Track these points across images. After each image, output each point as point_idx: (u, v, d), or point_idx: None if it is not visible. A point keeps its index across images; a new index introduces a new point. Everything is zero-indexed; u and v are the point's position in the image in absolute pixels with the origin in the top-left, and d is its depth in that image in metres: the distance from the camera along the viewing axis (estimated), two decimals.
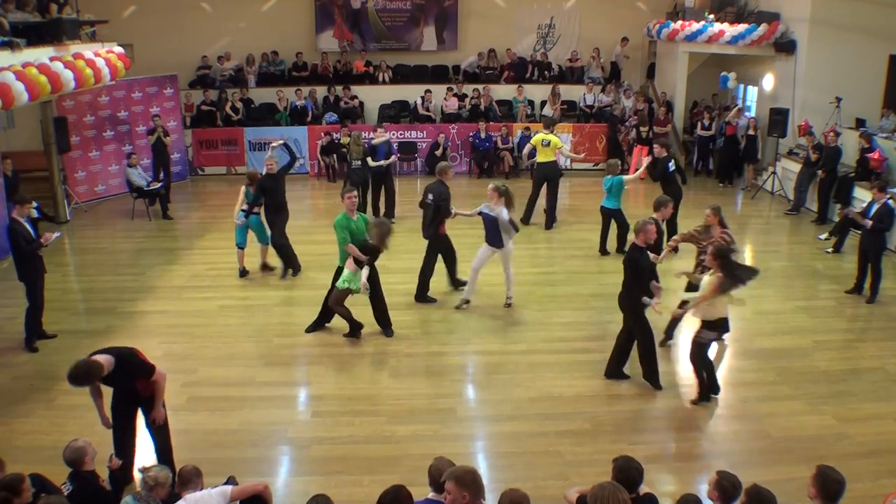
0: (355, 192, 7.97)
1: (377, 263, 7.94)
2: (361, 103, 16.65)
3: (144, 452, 5.84)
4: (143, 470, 4.40)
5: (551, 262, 10.57)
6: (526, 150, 13.03)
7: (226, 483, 4.55)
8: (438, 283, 9.29)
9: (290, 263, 9.90)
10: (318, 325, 8.20)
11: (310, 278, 9.72)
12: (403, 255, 9.50)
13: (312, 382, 7.22)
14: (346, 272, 7.66)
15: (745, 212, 13.69)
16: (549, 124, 12.44)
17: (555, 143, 11.85)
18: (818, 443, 6.06)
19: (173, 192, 13.84)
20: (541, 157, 11.92)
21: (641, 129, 15.59)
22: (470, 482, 3.58)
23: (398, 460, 5.78)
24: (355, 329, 7.99)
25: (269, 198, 9.57)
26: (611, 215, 10.64)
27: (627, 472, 4.05)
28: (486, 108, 16.51)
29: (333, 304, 7.84)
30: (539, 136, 11.96)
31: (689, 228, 7.79)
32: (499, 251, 8.57)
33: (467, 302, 8.83)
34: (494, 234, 8.45)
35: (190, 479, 4.40)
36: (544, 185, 12.01)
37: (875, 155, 11.74)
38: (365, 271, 7.60)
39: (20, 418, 6.43)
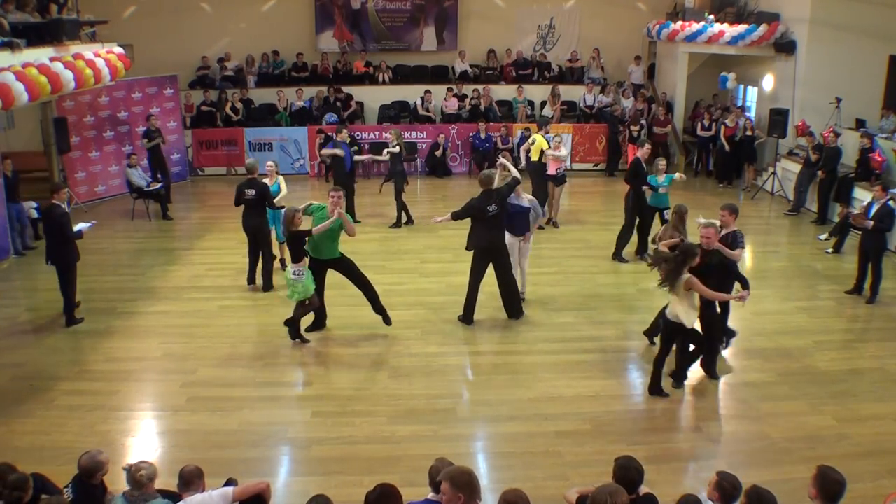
0: (342, 193, 7.89)
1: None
2: (360, 103, 16.65)
3: (140, 452, 5.85)
4: (130, 467, 4.31)
5: (551, 263, 10.55)
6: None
7: (226, 485, 4.51)
8: (438, 284, 9.29)
9: None
10: (317, 325, 8.19)
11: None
12: (403, 256, 9.50)
13: (312, 382, 7.23)
14: (294, 285, 7.62)
15: (745, 212, 13.56)
16: (542, 124, 12.93)
17: (539, 144, 12.04)
18: (818, 443, 6.06)
19: (173, 193, 13.83)
20: (533, 156, 12.22)
21: (632, 128, 15.51)
22: (465, 484, 3.51)
23: (398, 460, 5.77)
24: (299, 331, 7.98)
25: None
26: (659, 213, 10.32)
27: (627, 472, 4.05)
28: (485, 109, 16.50)
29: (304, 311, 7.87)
30: (532, 136, 12.33)
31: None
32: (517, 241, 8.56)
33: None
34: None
35: (192, 479, 4.31)
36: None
37: (876, 155, 11.74)
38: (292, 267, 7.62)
39: (20, 418, 6.41)
